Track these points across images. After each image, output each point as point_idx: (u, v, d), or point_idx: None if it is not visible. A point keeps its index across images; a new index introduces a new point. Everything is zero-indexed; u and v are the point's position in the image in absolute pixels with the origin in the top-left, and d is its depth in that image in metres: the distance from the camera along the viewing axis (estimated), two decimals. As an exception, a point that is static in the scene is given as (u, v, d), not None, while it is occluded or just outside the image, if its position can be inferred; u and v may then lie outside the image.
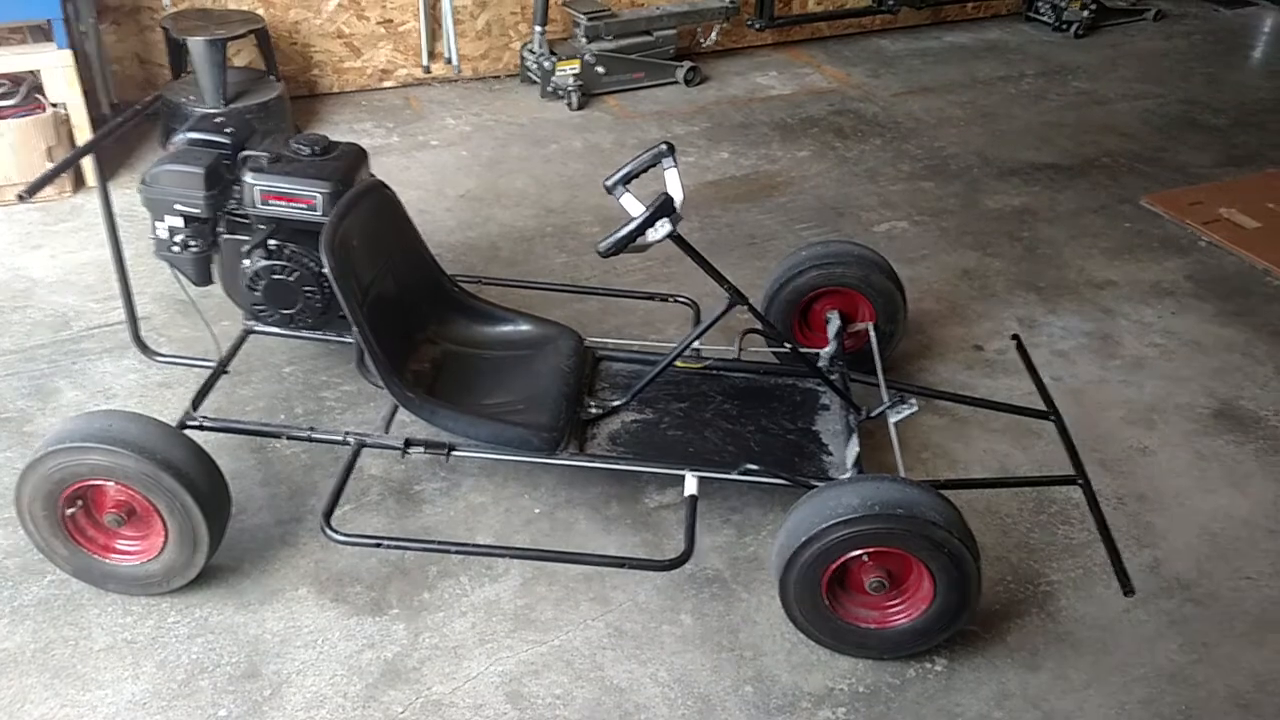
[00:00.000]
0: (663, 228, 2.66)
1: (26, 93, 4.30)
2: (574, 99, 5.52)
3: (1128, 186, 5.05)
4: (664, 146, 2.78)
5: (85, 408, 3.26)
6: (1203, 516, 3.15)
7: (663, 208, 2.61)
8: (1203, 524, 3.12)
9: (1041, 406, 3.19)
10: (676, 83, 5.90)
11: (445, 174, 4.83)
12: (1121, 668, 2.68)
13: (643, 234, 2.64)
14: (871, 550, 2.47)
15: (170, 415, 2.82)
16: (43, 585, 2.68)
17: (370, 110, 5.44)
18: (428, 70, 5.69)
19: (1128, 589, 2.65)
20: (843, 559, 2.48)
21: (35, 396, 3.30)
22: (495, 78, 5.88)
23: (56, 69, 4.27)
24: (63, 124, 4.31)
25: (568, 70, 5.53)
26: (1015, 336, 3.52)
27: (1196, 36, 7.12)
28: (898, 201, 4.83)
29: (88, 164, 4.45)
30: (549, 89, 5.59)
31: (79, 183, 4.47)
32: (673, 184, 2.77)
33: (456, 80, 5.79)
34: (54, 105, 4.31)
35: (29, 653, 2.51)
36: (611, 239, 2.62)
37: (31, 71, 4.33)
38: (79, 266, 3.95)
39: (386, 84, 5.66)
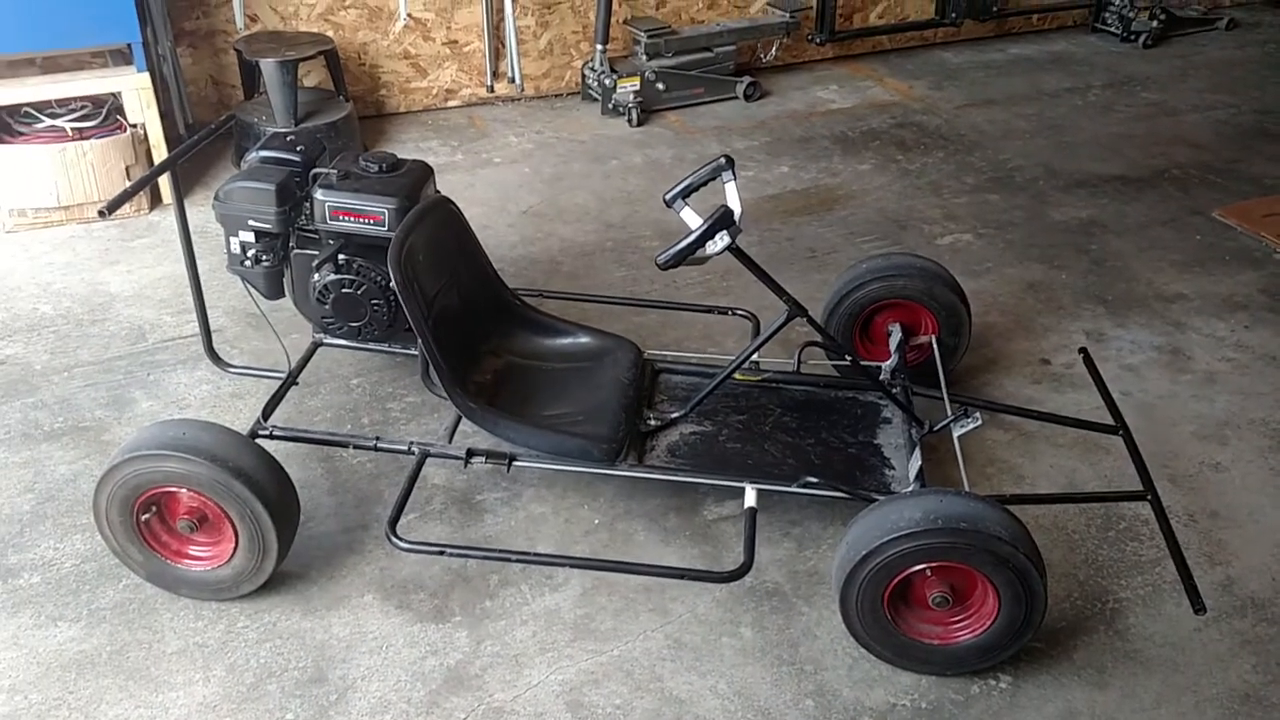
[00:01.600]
0: (721, 240, 2.67)
1: (107, 114, 4.45)
2: (634, 115, 5.57)
3: (1199, 198, 4.95)
4: (723, 160, 2.80)
5: (159, 418, 3.34)
6: (1278, 534, 3.06)
7: (721, 220, 2.62)
8: (1278, 542, 3.04)
9: (1109, 421, 3.14)
10: (736, 98, 5.92)
11: (508, 190, 4.90)
12: (1193, 688, 2.62)
13: (702, 246, 2.65)
14: (934, 565, 2.45)
15: (241, 425, 2.90)
16: (118, 589, 2.76)
17: (435, 129, 5.54)
18: (491, 89, 5.78)
19: (1198, 607, 2.59)
20: (904, 573, 2.46)
21: (112, 406, 3.41)
22: (557, 96, 5.96)
23: (135, 91, 4.42)
24: (141, 144, 4.46)
25: (628, 87, 5.58)
26: (1083, 350, 3.46)
27: (1271, 45, 6.96)
28: (962, 214, 4.79)
29: (164, 182, 4.59)
30: (610, 106, 5.64)
31: (155, 200, 4.62)
32: (732, 197, 2.78)
33: (519, 99, 5.87)
34: (133, 126, 4.45)
35: (105, 655, 2.59)
36: (671, 251, 2.64)
37: (112, 94, 4.48)
38: (155, 281, 4.07)
39: (451, 103, 5.76)
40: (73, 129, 4.35)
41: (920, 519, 2.40)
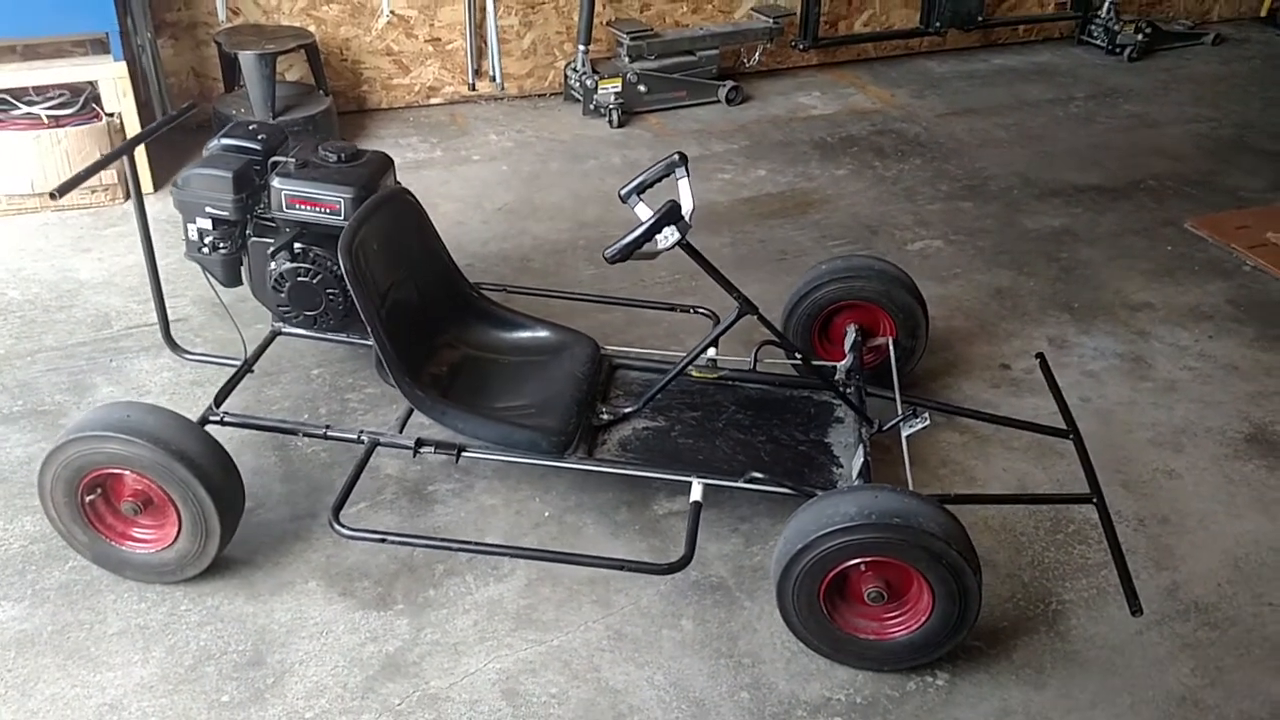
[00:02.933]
0: (671, 235, 2.68)
1: (84, 103, 4.48)
2: (615, 117, 5.59)
3: (1173, 209, 4.96)
4: (676, 156, 2.82)
5: (120, 403, 3.37)
6: (1227, 541, 3.07)
7: (668, 215, 2.64)
8: (1227, 549, 3.05)
9: (1062, 426, 3.15)
10: (718, 102, 5.95)
11: (484, 188, 4.92)
12: (1130, 689, 2.62)
13: (650, 240, 2.66)
14: (868, 560, 2.46)
15: (198, 412, 2.91)
16: (64, 570, 2.77)
17: (416, 126, 5.56)
18: (473, 88, 5.81)
19: (1135, 608, 2.60)
20: (839, 567, 2.47)
21: (73, 391, 3.43)
22: (540, 96, 5.98)
23: (112, 80, 4.45)
24: (117, 133, 4.49)
25: (610, 89, 5.61)
26: (1039, 355, 3.47)
27: (1257, 61, 6.99)
28: (934, 220, 4.80)
29: (144, 171, 4.62)
30: (591, 107, 5.67)
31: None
32: (684, 194, 2.80)
33: (501, 98, 5.90)
34: (109, 115, 4.48)
35: (45, 634, 2.60)
36: (618, 245, 2.66)
37: (90, 82, 4.51)
38: (125, 269, 4.09)
39: (433, 100, 5.79)
40: (49, 116, 4.38)
41: (855, 514, 2.42)
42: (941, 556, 2.40)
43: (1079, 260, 4.52)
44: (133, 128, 4.51)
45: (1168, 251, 4.62)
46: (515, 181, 5.00)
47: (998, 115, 6.00)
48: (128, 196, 4.61)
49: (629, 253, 2.66)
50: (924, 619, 2.51)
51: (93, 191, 4.48)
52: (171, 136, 4.01)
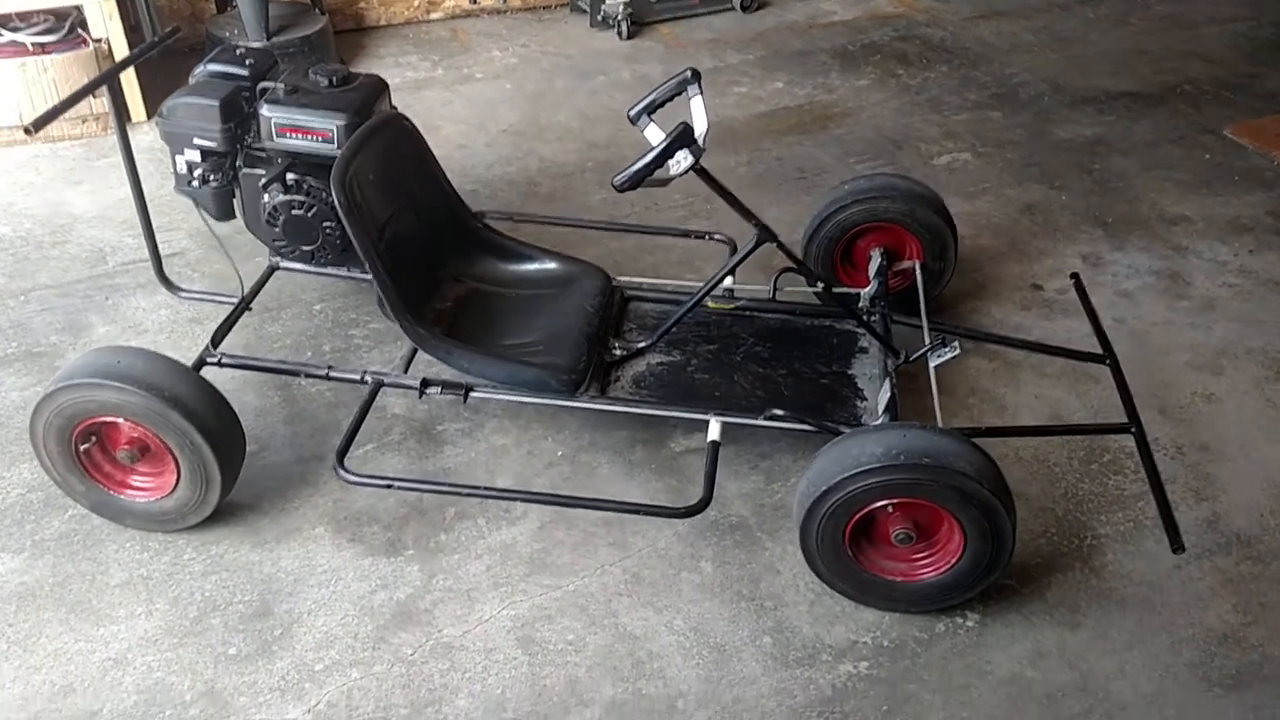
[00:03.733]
0: (684, 160, 2.51)
1: (70, 28, 4.29)
2: (624, 28, 5.35)
3: (1211, 116, 4.73)
4: (688, 73, 2.64)
5: (115, 343, 3.25)
6: (1270, 469, 2.95)
7: (681, 138, 2.47)
8: (1269, 476, 2.92)
9: (1097, 350, 3.00)
10: (733, 9, 5.69)
11: (488, 108, 4.72)
12: (1168, 628, 2.52)
13: (662, 166, 2.50)
14: (896, 501, 2.34)
15: (197, 351, 2.80)
16: (64, 520, 2.69)
17: (416, 43, 5.34)
18: (475, 1, 5.55)
19: (1177, 545, 2.49)
20: (866, 509, 2.36)
21: (68, 332, 3.32)
22: (545, 8, 5.73)
23: (98, 4, 4.25)
24: (105, 59, 4.30)
25: (618, -2, 5.35)
26: (1074, 275, 3.31)
27: (1299, -47, 6.61)
28: (961, 132, 4.59)
29: (133, 99, 4.45)
30: (599, 18, 5.43)
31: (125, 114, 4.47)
32: (698, 114, 2.62)
33: (505, 11, 5.65)
34: (96, 41, 4.29)
35: (47, 586, 2.53)
36: (628, 172, 2.49)
37: (76, 6, 4.31)
38: (118, 202, 3.94)
39: (434, 15, 5.55)
40: (34, 44, 4.20)
41: (882, 454, 2.29)
42: (974, 497, 2.28)
43: (1112, 172, 4.31)
44: (121, 53, 4.32)
45: (1205, 161, 4.40)
46: (520, 100, 4.80)
47: (1026, 18, 5.71)
48: (120, 125, 4.43)
49: (639, 180, 2.50)
50: (954, 560, 2.41)
51: (83, 121, 4.32)
52: (164, 61, 3.85)
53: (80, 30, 4.31)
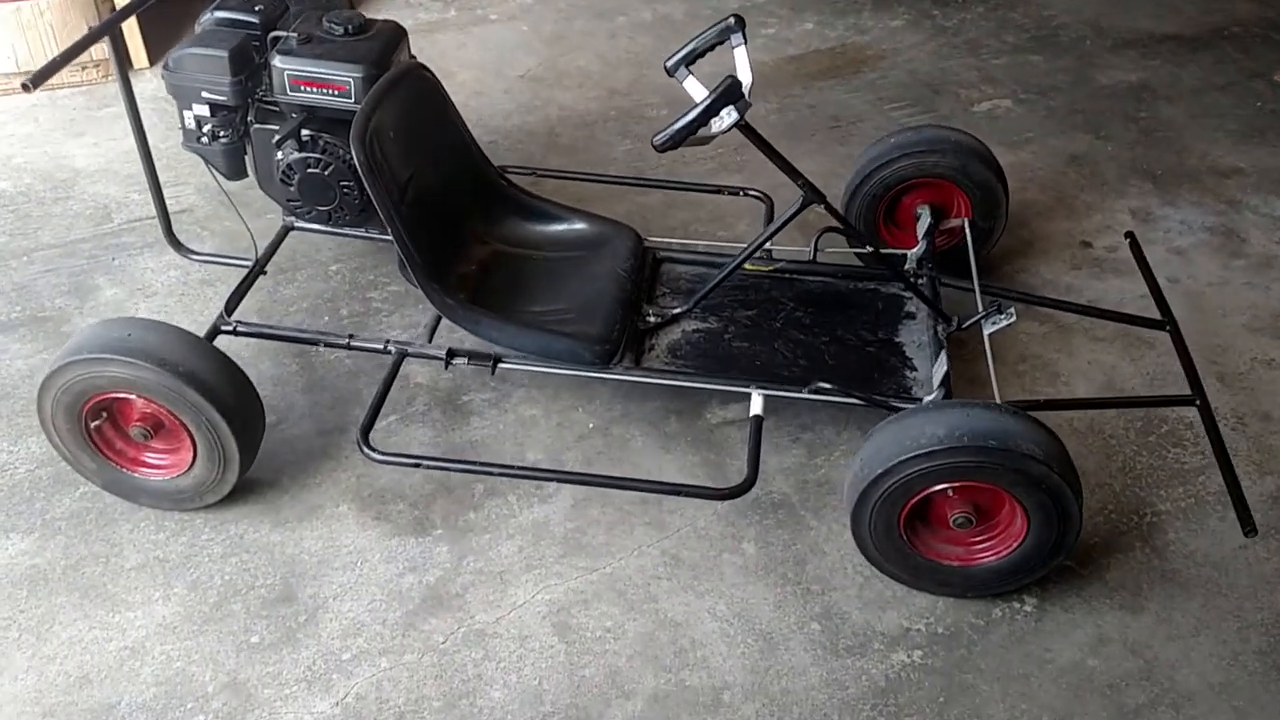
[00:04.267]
0: (728, 116, 2.34)
1: (65, -32, 4.07)
2: (645, -34, 5.10)
3: (1261, 59, 4.51)
4: (731, 20, 2.45)
5: (124, 306, 3.12)
6: (1336, 440, 2.81)
7: (728, 93, 2.29)
8: (1336, 449, 2.79)
9: (1154, 314, 2.85)
10: (758, -54, 5.41)
11: (504, 52, 4.51)
12: (1236, 612, 2.40)
13: (705, 124, 2.33)
14: (957, 485, 2.21)
15: (211, 315, 2.66)
16: (75, 498, 2.57)
17: (428, -18, 5.10)
18: (489, -63, 5.29)
19: (1249, 528, 2.35)
20: (924, 493, 2.22)
21: (74, 295, 3.17)
22: (561, -56, 5.47)
23: (94, -59, 4.03)
24: (105, 2, 4.09)
25: (639, -66, 5.09)
26: (1129, 234, 3.15)
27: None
28: (1001, 77, 4.38)
29: (136, 44, 4.25)
30: (618, -44, 5.17)
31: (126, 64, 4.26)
32: (742, 64, 2.44)
33: (520, -53, 5.39)
34: (94, -19, 4.08)
35: (59, 570, 2.41)
36: (669, 131, 2.32)
37: (71, -55, 4.09)
38: (123, 155, 3.76)
39: (446, -47, 5.29)
40: (28, -15, 3.98)
41: (944, 436, 2.15)
42: (1041, 481, 2.14)
43: (1160, 120, 4.12)
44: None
45: (1256, 108, 4.20)
46: (537, 44, 4.59)
47: (1065, -45, 5.45)
48: (121, 72, 4.24)
49: (681, 139, 2.33)
50: (1016, 544, 2.28)
51: (83, 69, 4.12)
52: (165, 8, 3.64)
53: (77, -29, 4.09)
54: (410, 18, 4.74)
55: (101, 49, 4.06)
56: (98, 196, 3.58)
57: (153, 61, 4.26)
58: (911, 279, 2.82)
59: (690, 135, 2.33)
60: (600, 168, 3.77)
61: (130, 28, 4.19)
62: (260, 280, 2.96)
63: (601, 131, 3.99)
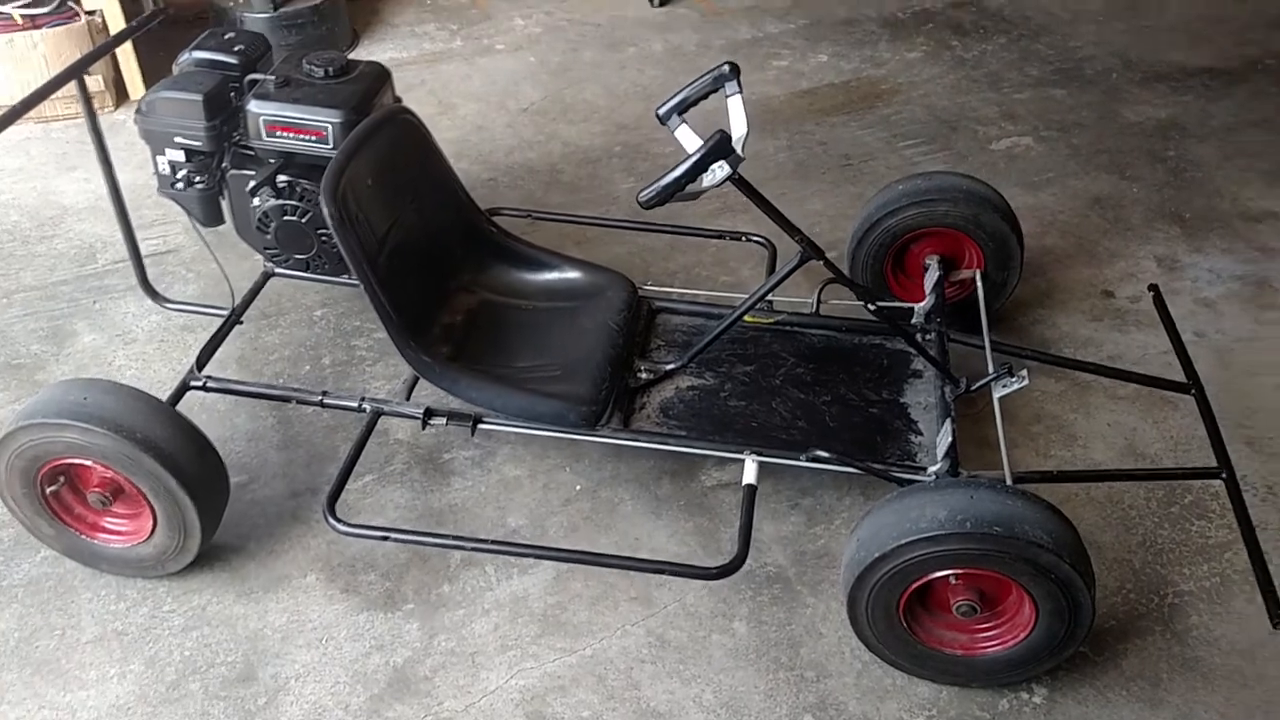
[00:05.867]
0: (719, 171, 2.20)
1: (60, 0, 4.00)
2: (657, -6, 4.98)
3: (1298, 95, 4.32)
4: (725, 68, 2.31)
5: (101, 354, 3.02)
6: (1374, 514, 2.62)
7: (717, 148, 2.15)
8: (1373, 523, 2.60)
9: (1179, 373, 2.68)
10: (773, -27, 5.29)
11: (509, 83, 4.40)
12: (1265, 706, 2.22)
13: (693, 180, 2.19)
14: (960, 571, 2.05)
15: (191, 363, 2.53)
16: (35, 562, 2.46)
17: (434, 10, 5.00)
18: (497, -36, 5.20)
19: (1277, 620, 2.17)
20: (924, 579, 2.07)
21: (51, 340, 3.07)
22: (573, -29, 5.36)
23: (90, -28, 3.96)
24: (100, 32, 4.02)
25: (650, -38, 4.98)
26: (1153, 287, 2.97)
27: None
28: (1022, 113, 4.22)
29: (131, 76, 4.17)
30: (630, -17, 5.06)
31: (121, 96, 4.20)
32: (736, 115, 2.30)
33: (529, -25, 5.29)
34: (89, 14, 4.01)
35: (12, 642, 2.30)
36: (655, 188, 2.19)
37: (67, -25, 4.02)
38: (112, 191, 3.67)
39: (454, -20, 5.20)
40: (23, 17, 3.91)
41: (945, 519, 2.00)
42: (1051, 570, 1.98)
43: (1189, 160, 3.94)
44: (116, 26, 4.03)
45: (1292, 147, 4.01)
46: (543, 75, 4.47)
47: (1092, -18, 5.28)
48: (117, 104, 4.17)
49: (669, 196, 2.19)
50: (1024, 634, 2.12)
51: (75, 100, 4.03)
52: (165, 33, 3.55)
53: (72, 3, 4.02)
54: (415, 48, 4.64)
55: (96, 80, 3.99)
56: (84, 235, 3.48)
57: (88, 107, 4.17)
58: (918, 335, 2.67)
59: (678, 191, 2.19)
60: (603, 206, 3.64)
61: (126, 58, 4.12)
62: (244, 325, 2.85)
63: (605, 168, 3.87)
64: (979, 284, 2.85)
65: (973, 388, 2.54)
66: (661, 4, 5.01)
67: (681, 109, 2.35)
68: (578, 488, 2.66)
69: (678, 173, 2.16)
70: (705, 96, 2.36)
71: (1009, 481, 2.26)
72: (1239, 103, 4.27)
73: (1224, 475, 2.42)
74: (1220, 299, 3.29)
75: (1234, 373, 3.02)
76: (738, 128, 2.27)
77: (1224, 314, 3.23)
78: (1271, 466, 2.75)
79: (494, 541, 2.41)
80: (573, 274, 2.82)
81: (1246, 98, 4.31)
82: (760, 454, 2.41)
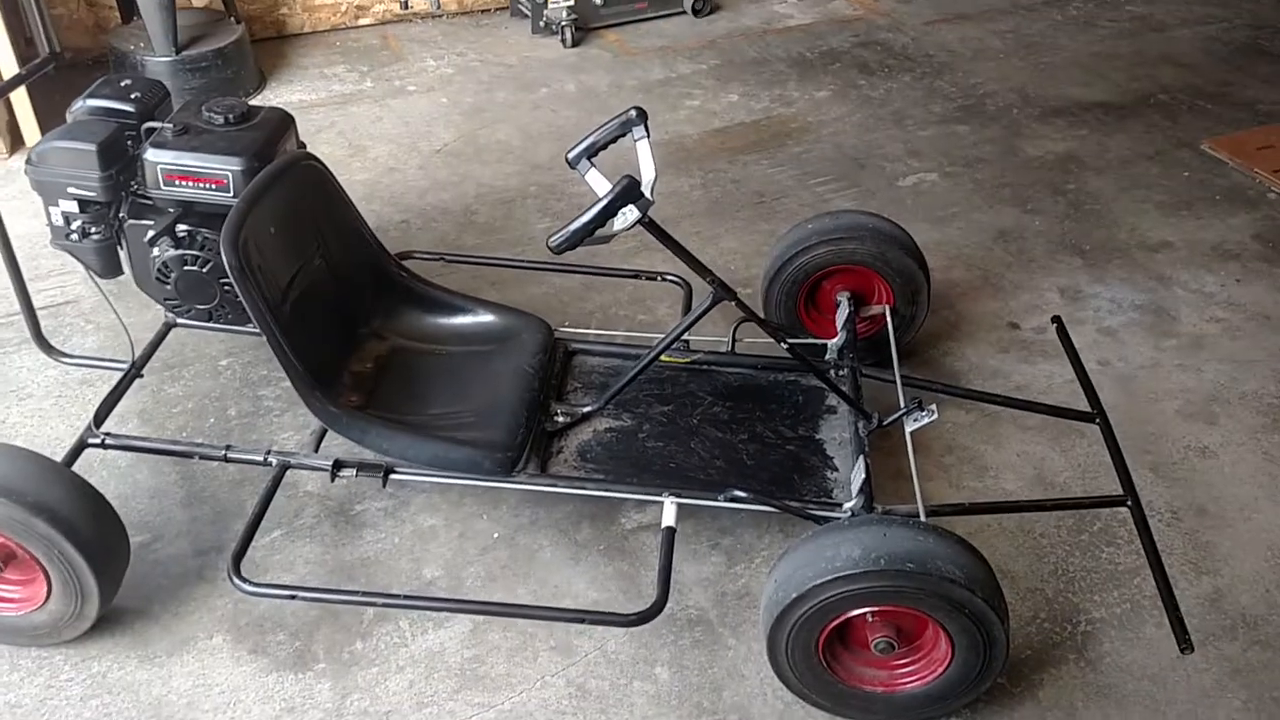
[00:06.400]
0: (629, 214, 2.21)
1: (-51, 43, 3.87)
2: (568, 35, 5.01)
3: (1187, 128, 4.49)
4: (633, 113, 2.32)
5: (-6, 411, 2.90)
6: (1273, 534, 2.70)
7: (625, 193, 2.16)
8: (1273, 543, 2.68)
9: (1084, 403, 2.74)
10: (684, 13, 5.37)
11: (421, 125, 4.37)
12: (1176, 731, 2.27)
13: (603, 224, 2.19)
14: (876, 609, 2.06)
15: (88, 419, 2.44)
16: (-80, 635, 2.33)
17: (344, 52, 4.96)
18: (407, 5, 5.18)
19: (1184, 645, 2.22)
20: (841, 618, 2.07)
21: (-61, 398, 2.94)
22: (483, 12, 5.37)
23: (-19, 15, 3.84)
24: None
25: (561, 3, 5.00)
26: (1056, 318, 3.04)
27: (1266, -49, 6.41)
28: (927, 150, 4.31)
29: (26, 120, 4.05)
30: (541, 24, 5.08)
31: (16, 142, 4.07)
32: (644, 159, 2.31)
33: (440, 16, 5.28)
34: (-20, 56, 3.88)
35: (-106, 722, 2.18)
36: (565, 232, 2.18)
37: (-44, 18, 3.89)
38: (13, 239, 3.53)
39: (363, 21, 5.17)
40: (-91, 61, 3.78)
41: (860, 557, 2.00)
42: (964, 605, 2.00)
43: (1088, 192, 4.06)
44: (9, 70, 3.91)
45: (1185, 179, 4.16)
46: (456, 116, 4.45)
47: (991, 21, 5.45)
48: (12, 151, 4.04)
49: (579, 241, 2.19)
50: (941, 669, 2.13)
51: (-30, 145, 3.91)
52: (65, 75, 3.45)
53: (-38, 45, 3.89)
54: (325, 90, 4.59)
55: (-9, 126, 3.87)
56: (-24, 287, 3.34)
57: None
58: (831, 371, 2.70)
59: (588, 236, 2.19)
60: (519, 247, 3.62)
61: (20, 103, 3.99)
62: (147, 374, 2.76)
63: (520, 209, 3.85)
64: (889, 319, 2.89)
65: (885, 423, 2.56)
66: (574, 45, 5.04)
67: (591, 153, 2.35)
68: (495, 535, 2.62)
69: (586, 218, 2.16)
70: (614, 140, 2.36)
71: (923, 515, 2.29)
72: (1133, 136, 4.43)
73: (1129, 503, 2.48)
74: (1121, 327, 3.38)
75: (1137, 400, 3.10)
76: (647, 171, 2.28)
77: (1125, 342, 3.32)
78: (1175, 491, 2.82)
79: (406, 596, 2.35)
80: (486, 317, 2.79)
81: (1140, 131, 4.47)
82: (679, 495, 2.40)
